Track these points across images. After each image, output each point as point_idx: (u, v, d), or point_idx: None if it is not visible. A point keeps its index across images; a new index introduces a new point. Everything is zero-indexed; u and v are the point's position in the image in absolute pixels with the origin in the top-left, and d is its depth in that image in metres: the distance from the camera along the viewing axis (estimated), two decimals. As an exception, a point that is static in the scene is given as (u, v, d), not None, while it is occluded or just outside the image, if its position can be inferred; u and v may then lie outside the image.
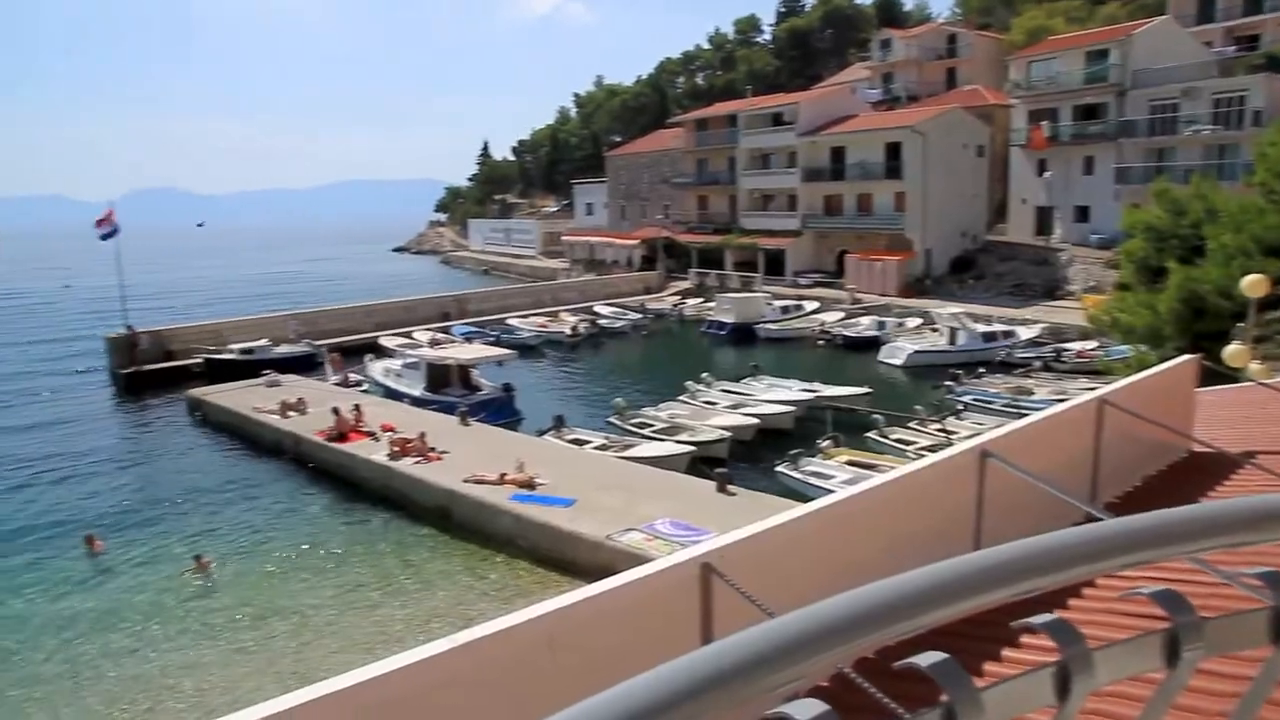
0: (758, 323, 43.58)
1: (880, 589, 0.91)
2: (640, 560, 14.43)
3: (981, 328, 36.50)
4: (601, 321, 48.03)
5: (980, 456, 5.50)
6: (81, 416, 32.39)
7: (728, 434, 23.83)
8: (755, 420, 25.60)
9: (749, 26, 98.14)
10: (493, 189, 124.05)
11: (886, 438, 23.41)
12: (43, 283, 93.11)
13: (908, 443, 22.88)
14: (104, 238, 37.04)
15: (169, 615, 15.88)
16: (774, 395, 28.60)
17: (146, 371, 36.34)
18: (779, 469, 21.01)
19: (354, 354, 37.26)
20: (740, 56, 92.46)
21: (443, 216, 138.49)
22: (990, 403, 26.69)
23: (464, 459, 21.09)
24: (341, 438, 23.76)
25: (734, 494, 18.29)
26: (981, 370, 30.46)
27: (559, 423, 25.23)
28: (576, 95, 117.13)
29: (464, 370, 30.18)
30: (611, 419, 26.46)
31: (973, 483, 5.52)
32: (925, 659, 0.91)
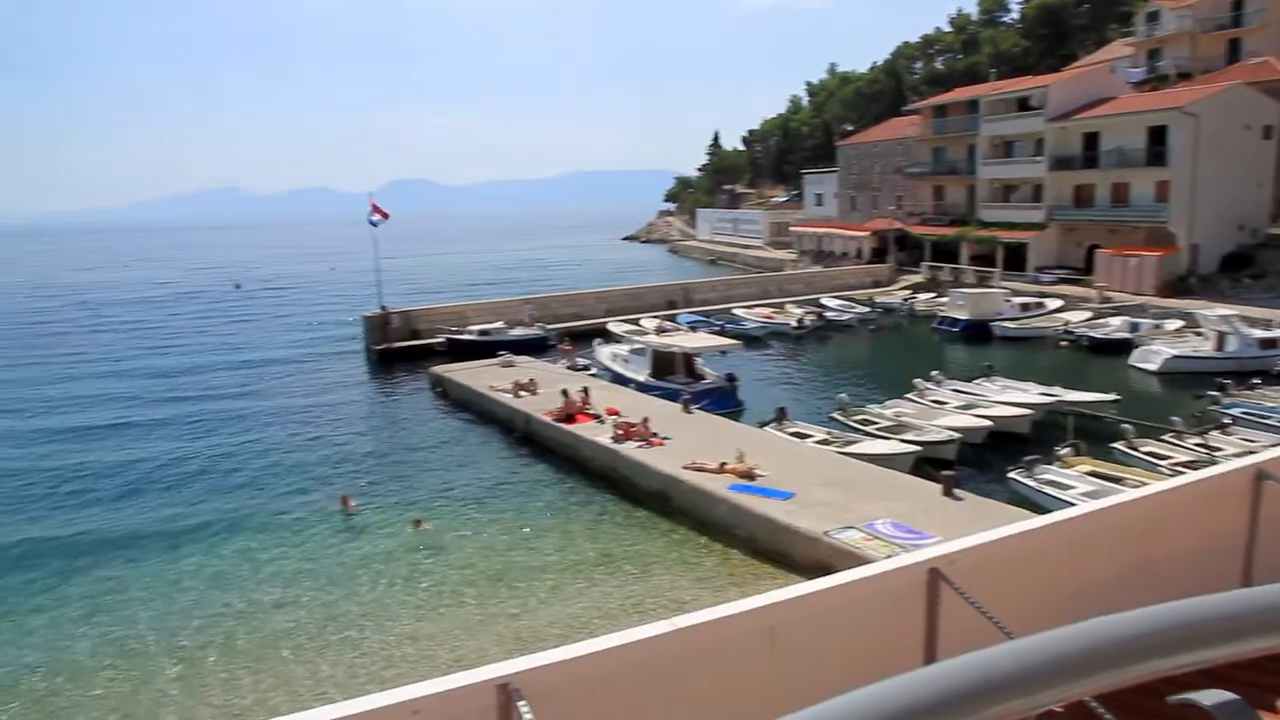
0: (994, 320, 41.23)
1: (1144, 618, 0.82)
2: (858, 559, 14.13)
3: (1258, 333, 32.56)
4: (828, 314, 47.15)
5: (1255, 478, 4.91)
6: (340, 387, 35.73)
7: (957, 435, 22.72)
8: (988, 423, 24.26)
9: (995, 5, 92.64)
10: (721, 179, 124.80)
11: (1136, 450, 21.45)
12: (312, 266, 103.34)
13: (1162, 457, 20.86)
14: (375, 224, 40.52)
15: (402, 573, 17.18)
16: (1009, 397, 26.96)
17: (396, 348, 39.50)
18: (1011, 475, 19.81)
19: (583, 338, 38.73)
20: (984, 38, 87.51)
21: (671, 206, 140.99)
22: (1266, 418, 23.82)
23: (685, 446, 21.40)
24: (569, 419, 24.76)
25: (960, 499, 17.44)
26: (1256, 380, 27.23)
27: (781, 415, 25.05)
28: (808, 84, 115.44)
29: (688, 358, 30.59)
30: (834, 414, 25.96)
31: (1244, 507, 4.93)
32: (1209, 697, 0.81)
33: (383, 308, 40.73)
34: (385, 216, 40.70)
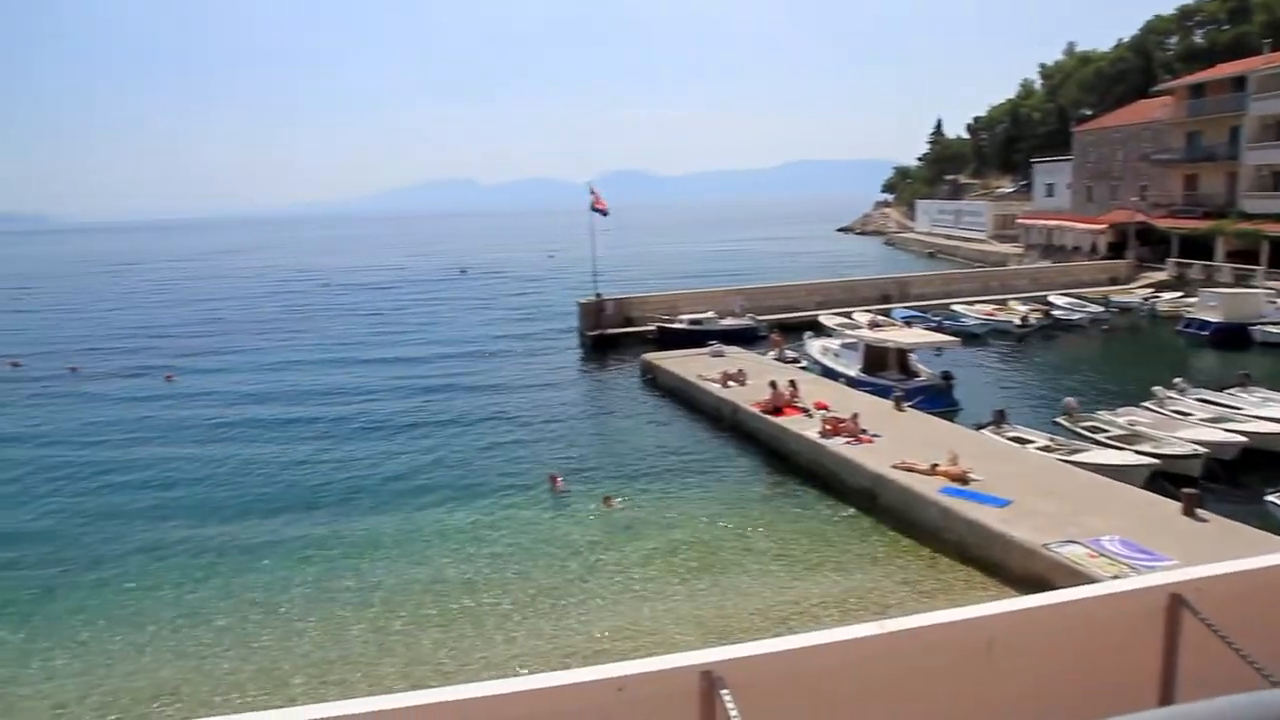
0: (1253, 323, 37.16)
1: None
2: (1080, 577, 13.21)
3: None
4: (1056, 312, 44.21)
5: None
6: (554, 370, 37.28)
7: (1203, 450, 20.70)
8: (1241, 439, 21.89)
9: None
10: (943, 169, 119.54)
11: None
12: (532, 254, 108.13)
13: None
14: (605, 214, 41.87)
15: (606, 553, 17.69)
16: (1269, 411, 24.25)
17: (609, 335, 40.67)
18: (1270, 499, 17.84)
19: (793, 331, 38.34)
20: (1258, 3, 78.20)
21: (889, 197, 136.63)
22: None
23: (895, 444, 20.76)
24: (776, 411, 24.61)
25: (1204, 520, 15.89)
26: None
27: (999, 418, 23.77)
28: (1042, 66, 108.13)
29: (902, 354, 29.62)
30: (1059, 419, 24.33)
31: None
32: None
33: (598, 295, 42.04)
34: (604, 212, 41.88)
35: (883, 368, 29.54)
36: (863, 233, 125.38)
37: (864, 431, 21.62)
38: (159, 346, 48.33)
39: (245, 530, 20.11)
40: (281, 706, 2.70)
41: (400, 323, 53.18)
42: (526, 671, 12.97)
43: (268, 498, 22.48)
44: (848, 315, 40.75)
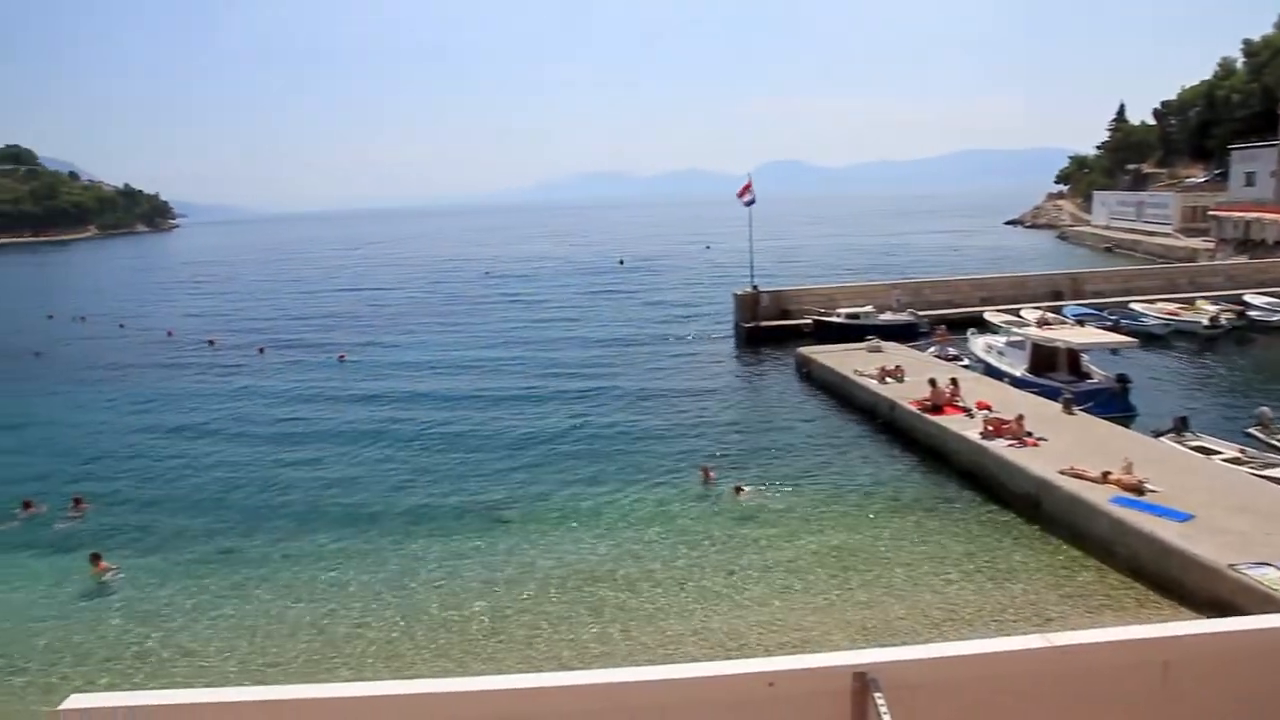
0: None
1: None
2: (1273, 603, 12.17)
3: None
4: (1252, 313, 40.75)
5: None
6: (707, 361, 37.35)
7: None
8: None
9: None
10: (1125, 157, 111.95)
11: None
12: (688, 245, 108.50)
13: None
14: (747, 204, 41.67)
15: (755, 546, 17.61)
16: None
17: (764, 327, 40.38)
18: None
19: (956, 327, 37.00)
20: None
21: (1063, 188, 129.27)
22: None
23: (1062, 449, 19.71)
24: (936, 409, 23.83)
25: None
26: None
27: (1181, 425, 22.17)
28: (1246, 42, 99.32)
29: (1073, 355, 28.06)
30: (1251, 430, 22.49)
31: None
32: None
33: (754, 287, 41.80)
34: (748, 200, 41.52)
35: (1051, 368, 28.08)
36: (1033, 226, 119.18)
37: (1029, 434, 20.64)
38: (333, 329, 51.55)
39: (405, 501, 21.27)
40: (429, 678, 2.86)
41: (559, 311, 54.54)
42: (674, 660, 13.12)
43: (428, 471, 23.68)
44: (1015, 313, 38.93)
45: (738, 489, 20.60)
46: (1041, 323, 33.17)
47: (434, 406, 31.12)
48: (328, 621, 15.35)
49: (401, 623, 15.17)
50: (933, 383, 24.76)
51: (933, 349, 33.42)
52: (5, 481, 24.45)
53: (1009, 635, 3.18)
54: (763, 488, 20.85)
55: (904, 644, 3.10)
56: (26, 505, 21.67)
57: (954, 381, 25.10)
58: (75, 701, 2.68)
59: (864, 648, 3.08)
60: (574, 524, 19.44)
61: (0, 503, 22.04)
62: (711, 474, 21.71)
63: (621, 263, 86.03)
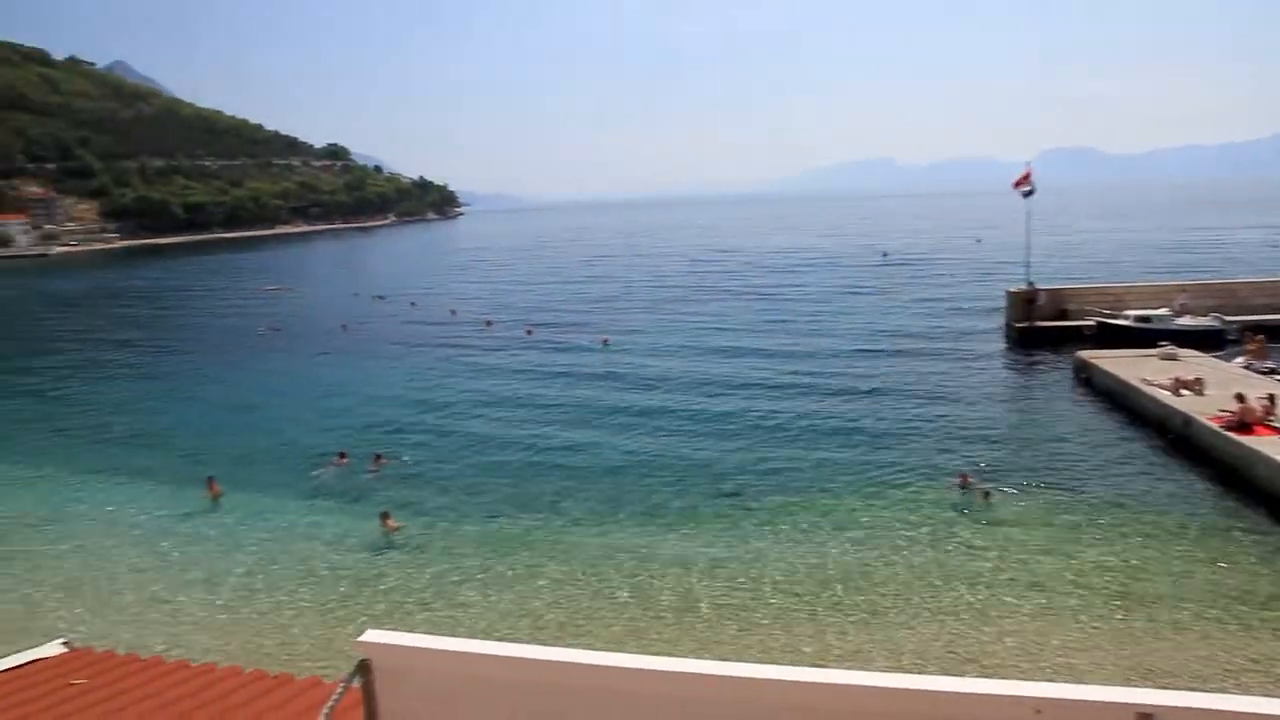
0: None
1: None
2: None
3: None
4: None
5: None
6: (972, 362, 35.27)
7: None
8: None
9: None
10: None
11: None
12: (958, 238, 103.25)
13: None
14: (1025, 195, 38.97)
15: (1016, 563, 16.38)
16: None
17: (1039, 328, 37.62)
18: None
19: (1276, 335, 32.71)
20: None
21: None
22: None
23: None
24: (1243, 428, 21.11)
25: None
26: None
27: None
28: None
29: None
30: None
31: None
32: None
33: (1029, 284, 39.09)
34: (1026, 191, 38.71)
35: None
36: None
37: (1363, 464, 17.86)
38: (597, 314, 53.91)
39: (654, 481, 21.84)
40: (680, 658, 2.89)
41: (817, 305, 53.70)
42: (927, 671, 12.60)
43: (677, 454, 24.15)
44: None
45: (986, 494, 19.51)
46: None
47: (687, 394, 31.68)
48: (584, 593, 16.12)
49: (633, 600, 15.63)
50: (1240, 398, 22.00)
51: (1241, 360, 29.71)
52: (323, 432, 28.44)
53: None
54: (1022, 496, 19.51)
55: (1197, 690, 2.77)
56: (341, 456, 24.97)
57: (1271, 398, 22.14)
58: (372, 636, 2.94)
59: (1147, 686, 2.76)
60: (816, 519, 19.10)
61: (322, 451, 25.74)
62: (970, 480, 20.57)
63: (885, 256, 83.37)
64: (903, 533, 18.25)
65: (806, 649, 13.82)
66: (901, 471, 22.13)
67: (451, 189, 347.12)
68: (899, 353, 37.52)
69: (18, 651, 6.86)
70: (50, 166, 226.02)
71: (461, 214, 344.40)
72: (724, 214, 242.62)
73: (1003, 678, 2.89)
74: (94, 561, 18.95)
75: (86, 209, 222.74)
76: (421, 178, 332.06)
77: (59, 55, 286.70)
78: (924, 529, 18.40)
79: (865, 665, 13.09)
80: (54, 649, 6.91)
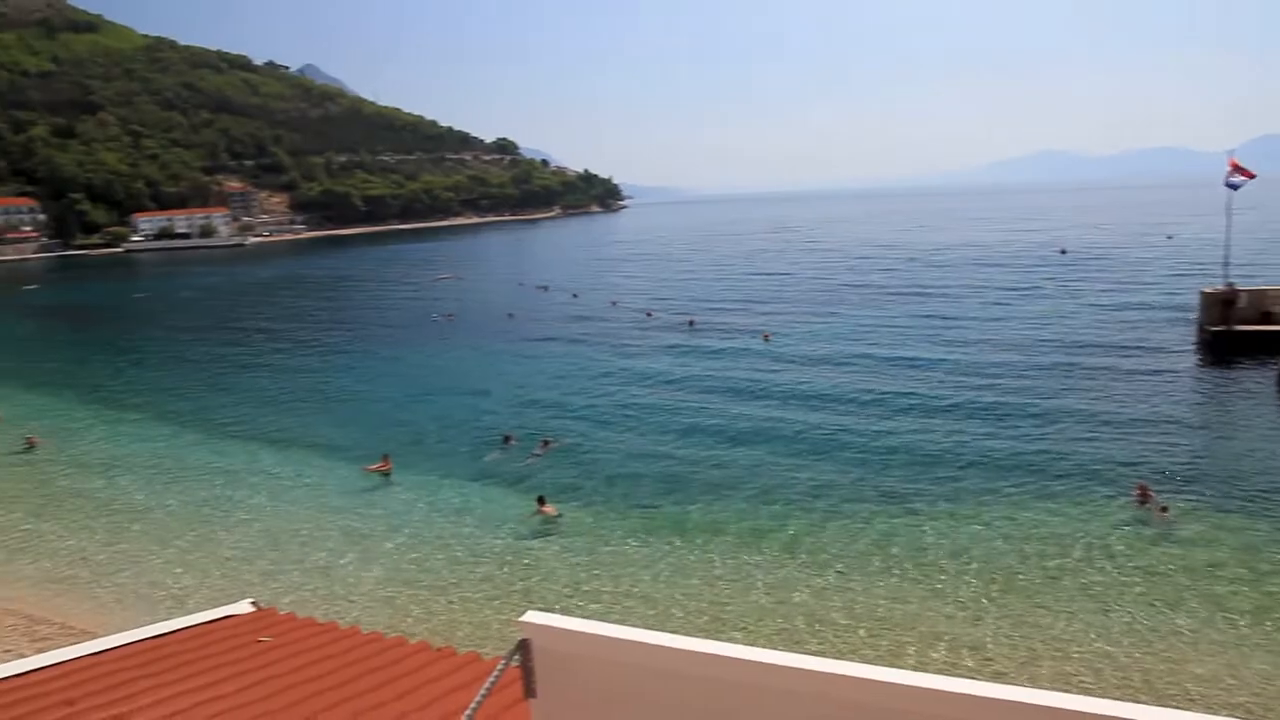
0: None
1: None
2: None
3: None
4: None
5: None
6: (1158, 367, 32.70)
7: None
8: None
9: None
10: None
11: None
12: (1146, 233, 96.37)
13: None
14: (1234, 187, 35.74)
15: (1201, 591, 15.20)
16: None
17: (1238, 333, 34.57)
18: None
19: None
20: None
21: None
22: None
23: None
24: None
25: None
26: None
27: None
28: None
29: None
30: None
31: None
32: None
33: (1228, 284, 36.00)
34: (1249, 176, 35.53)
35: None
36: None
37: None
38: (757, 308, 53.52)
39: (809, 477, 21.45)
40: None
41: (986, 306, 51.27)
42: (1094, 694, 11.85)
43: (834, 453, 23.70)
44: None
45: (1164, 509, 18.18)
46: None
47: (849, 393, 30.91)
48: (732, 589, 16.07)
49: (768, 596, 15.42)
50: None
51: None
52: (489, 415, 29.67)
53: None
54: (1207, 514, 18.00)
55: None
56: (507, 439, 26.02)
57: None
58: (533, 617, 2.98)
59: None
60: (981, 528, 18.27)
61: (488, 435, 26.94)
62: (1150, 493, 19.16)
63: (1063, 253, 78.79)
64: (1072, 545, 17.24)
65: (968, 663, 13.27)
66: (1075, 481, 20.89)
67: (616, 182, 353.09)
68: (1077, 356, 35.31)
69: (213, 608, 7.42)
70: (248, 163, 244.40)
71: (625, 207, 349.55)
72: (895, 208, 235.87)
73: (1185, 710, 2.61)
74: (273, 529, 20.39)
75: (278, 202, 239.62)
76: (586, 171, 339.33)
77: (258, 61, 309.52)
78: (1095, 542, 17.31)
79: (1032, 684, 12.44)
80: (243, 607, 7.44)
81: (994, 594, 15.36)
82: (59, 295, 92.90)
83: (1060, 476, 21.24)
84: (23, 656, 7.85)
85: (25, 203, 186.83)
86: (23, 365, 46.98)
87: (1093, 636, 13.79)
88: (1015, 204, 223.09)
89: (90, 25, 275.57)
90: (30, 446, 28.27)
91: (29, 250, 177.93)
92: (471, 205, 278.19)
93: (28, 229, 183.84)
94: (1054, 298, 51.79)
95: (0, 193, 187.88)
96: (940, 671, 3.04)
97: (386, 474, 23.67)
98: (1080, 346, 36.99)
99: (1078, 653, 13.37)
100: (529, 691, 2.96)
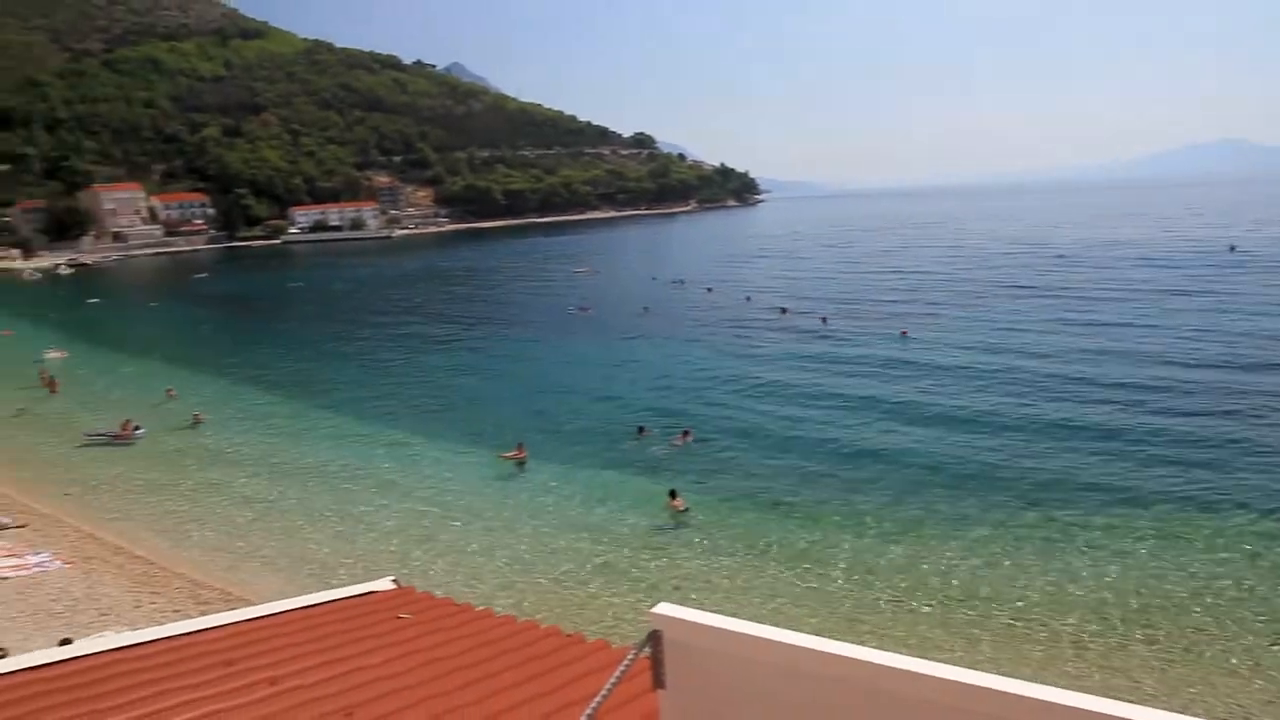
0: None
1: None
2: None
3: None
4: None
5: None
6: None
7: None
8: None
9: None
10: None
11: None
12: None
13: None
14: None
15: None
16: None
17: None
18: None
19: None
20: None
21: None
22: None
23: None
24: None
25: None
26: None
27: None
28: None
29: None
30: None
31: None
32: None
33: None
34: None
35: None
36: None
37: None
38: (894, 304, 52.11)
39: (953, 487, 20.73)
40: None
41: (1147, 305, 48.14)
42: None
43: (976, 455, 22.84)
44: None
45: None
46: None
47: (990, 394, 29.70)
48: (849, 591, 15.74)
49: (920, 607, 14.95)
50: None
51: None
52: (622, 407, 30.24)
53: None
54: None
55: None
56: (641, 431, 26.41)
57: None
58: (664, 609, 2.98)
59: None
60: (1133, 543, 17.21)
61: (622, 426, 27.46)
62: None
63: (1232, 250, 73.30)
64: (1230, 563, 16.09)
65: (1117, 680, 12.58)
66: (1237, 495, 19.45)
67: (753, 176, 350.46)
68: (1243, 361, 32.76)
69: (357, 584, 7.78)
70: (396, 159, 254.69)
71: (761, 201, 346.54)
72: (1044, 203, 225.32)
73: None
74: (410, 511, 21.21)
75: (424, 196, 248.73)
76: (723, 165, 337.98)
77: (408, 60, 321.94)
78: (1256, 561, 16.10)
79: (1168, 707, 11.70)
80: (385, 584, 7.75)
81: (1145, 611, 14.49)
82: (224, 284, 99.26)
83: (1219, 490, 19.81)
84: (188, 617, 8.48)
85: (198, 198, 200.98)
86: (193, 349, 50.59)
87: (1250, 662, 12.85)
88: (1177, 197, 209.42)
89: (258, 31, 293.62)
90: (196, 423, 30.45)
91: (200, 242, 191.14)
92: (608, 199, 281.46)
93: (199, 222, 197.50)
94: (1219, 298, 48.11)
95: (176, 189, 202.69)
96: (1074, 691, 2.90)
97: (521, 462, 24.26)
98: (1246, 351, 34.20)
99: (1227, 679, 12.49)
100: (658, 682, 2.97)
